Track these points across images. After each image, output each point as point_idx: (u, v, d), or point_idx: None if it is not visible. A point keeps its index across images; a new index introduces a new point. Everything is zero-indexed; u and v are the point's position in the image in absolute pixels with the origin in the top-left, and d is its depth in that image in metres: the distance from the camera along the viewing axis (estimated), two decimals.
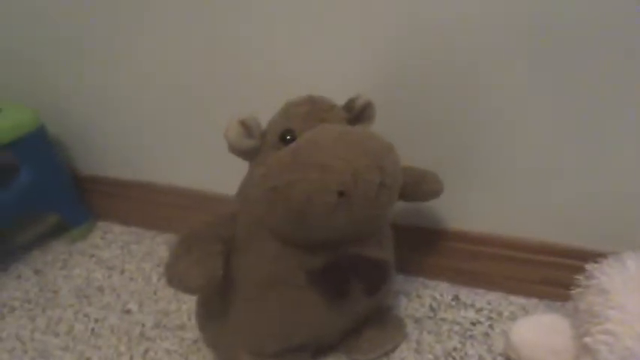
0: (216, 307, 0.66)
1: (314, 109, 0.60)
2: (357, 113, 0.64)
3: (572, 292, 0.63)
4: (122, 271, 0.96)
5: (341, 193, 0.51)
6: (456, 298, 0.81)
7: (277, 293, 0.61)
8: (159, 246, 1.02)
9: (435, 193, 0.71)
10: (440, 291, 0.83)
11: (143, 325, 0.83)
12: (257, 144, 0.59)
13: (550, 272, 0.76)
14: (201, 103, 0.87)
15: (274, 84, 0.78)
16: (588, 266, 0.62)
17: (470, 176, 0.75)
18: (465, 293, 0.82)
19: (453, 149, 0.74)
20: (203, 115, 0.89)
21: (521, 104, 0.67)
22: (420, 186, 0.70)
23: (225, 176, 0.72)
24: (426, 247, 0.83)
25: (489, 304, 0.79)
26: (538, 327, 0.66)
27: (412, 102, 0.73)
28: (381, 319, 0.71)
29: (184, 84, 0.87)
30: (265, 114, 0.62)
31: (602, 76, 0.62)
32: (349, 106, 0.64)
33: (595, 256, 0.63)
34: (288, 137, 0.58)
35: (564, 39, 0.61)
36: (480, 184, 0.75)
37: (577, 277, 0.63)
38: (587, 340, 0.57)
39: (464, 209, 0.79)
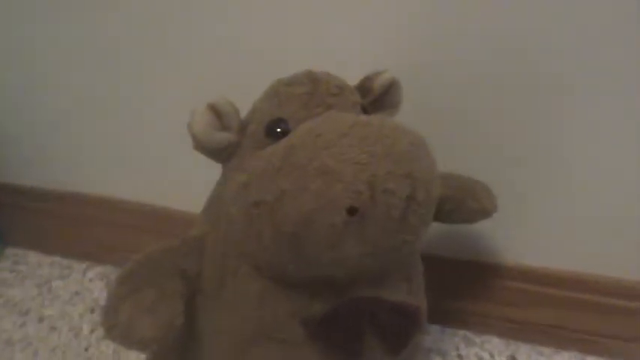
0: None
1: (316, 91, 0.59)
2: (377, 97, 0.64)
3: None
4: (40, 319, 0.96)
5: (352, 211, 0.50)
6: (513, 359, 0.81)
7: (260, 353, 0.60)
8: (92, 283, 1.02)
9: (485, 212, 0.71)
10: (490, 350, 0.83)
11: None
12: (234, 139, 0.59)
13: None
14: (154, 85, 0.88)
15: (256, 62, 0.79)
16: None
17: (533, 190, 0.76)
18: (526, 353, 0.82)
19: (510, 154, 0.75)
20: (157, 104, 0.90)
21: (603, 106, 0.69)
22: (464, 202, 0.69)
23: (186, 187, 0.73)
24: (471, 289, 0.83)
25: None
26: None
27: (456, 90, 0.74)
28: None
29: (122, 70, 0.90)
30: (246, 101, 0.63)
31: None
32: (366, 86, 0.64)
33: None
34: (278, 130, 0.58)
35: None
36: (547, 202, 0.76)
37: None
38: None
39: (524, 236, 0.79)
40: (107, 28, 0.88)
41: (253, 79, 0.64)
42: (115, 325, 0.56)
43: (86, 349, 0.89)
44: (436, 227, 0.68)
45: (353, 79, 0.64)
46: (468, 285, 0.83)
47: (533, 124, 0.73)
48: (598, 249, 0.77)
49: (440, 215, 0.66)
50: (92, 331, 0.92)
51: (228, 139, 0.59)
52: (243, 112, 0.62)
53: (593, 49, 0.67)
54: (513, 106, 0.73)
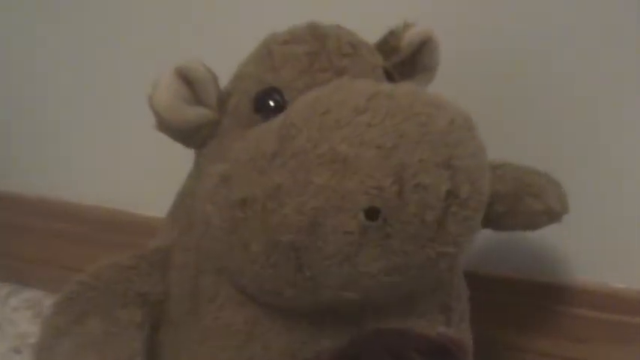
0: None
1: (322, 50, 0.60)
2: (406, 58, 0.64)
3: None
4: None
5: (372, 213, 0.50)
6: None
7: None
8: (17, 312, 1.02)
9: (552, 213, 0.70)
10: None
11: None
12: (211, 116, 0.60)
13: None
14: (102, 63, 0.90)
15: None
16: None
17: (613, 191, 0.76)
18: None
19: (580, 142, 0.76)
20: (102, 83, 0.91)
21: None
22: (522, 200, 0.69)
23: (146, 185, 0.73)
24: (533, 319, 0.83)
25: None
26: None
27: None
28: None
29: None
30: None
31: None
32: (390, 44, 0.63)
33: None
34: (272, 103, 0.58)
35: None
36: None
37: None
38: None
39: (606, 252, 0.79)
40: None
41: None
42: None
43: None
44: (488, 236, 0.68)
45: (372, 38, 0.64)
46: (530, 314, 0.83)
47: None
48: None
49: (490, 219, 0.66)
50: None
51: (204, 116, 0.59)
52: (225, 81, 0.62)
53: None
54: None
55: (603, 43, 0.73)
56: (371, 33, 0.65)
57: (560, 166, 0.73)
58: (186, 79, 0.57)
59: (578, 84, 0.77)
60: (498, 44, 0.78)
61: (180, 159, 0.63)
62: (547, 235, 0.77)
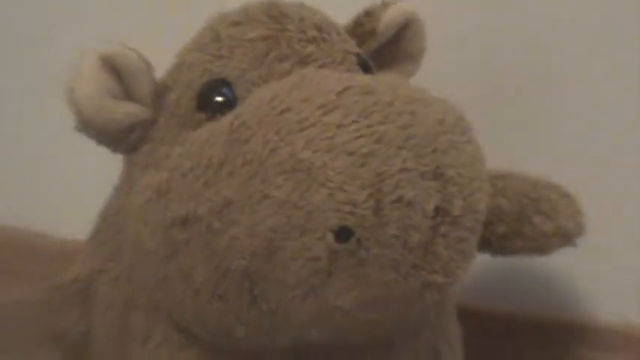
0: None
1: (281, 34, 0.59)
2: (384, 44, 0.64)
3: None
4: None
5: (344, 235, 0.50)
6: None
7: None
8: None
9: (564, 235, 0.70)
10: None
11: None
12: (144, 114, 0.59)
13: None
14: None
15: None
16: None
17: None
18: None
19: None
20: None
21: None
22: (528, 218, 0.69)
23: (62, 202, 0.73)
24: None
25: None
26: None
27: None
28: None
29: None
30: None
31: None
32: (364, 26, 0.63)
33: None
34: (220, 99, 0.58)
35: None
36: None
37: None
38: None
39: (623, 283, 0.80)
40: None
41: None
42: None
43: None
44: (482, 262, 0.69)
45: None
46: (538, 355, 0.84)
47: None
48: None
49: (489, 242, 0.66)
50: None
51: (135, 115, 0.58)
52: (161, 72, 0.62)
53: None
54: None
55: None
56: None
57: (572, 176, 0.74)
58: (114, 68, 0.56)
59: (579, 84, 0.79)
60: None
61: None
62: (559, 262, 0.78)
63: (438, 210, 0.51)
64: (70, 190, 0.75)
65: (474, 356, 0.69)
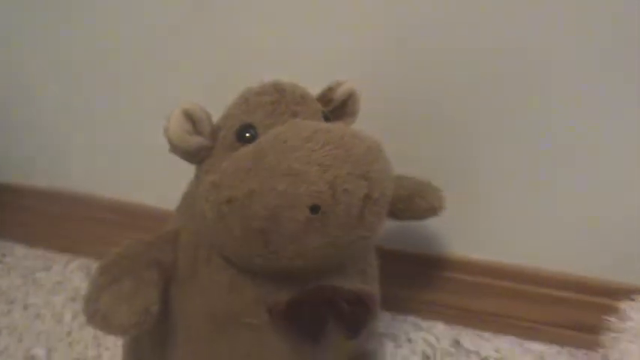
0: (149, 353, 0.65)
1: (281, 99, 0.59)
2: (337, 106, 0.64)
3: (602, 337, 0.64)
4: (25, 306, 0.94)
5: (315, 209, 0.51)
6: (457, 343, 0.82)
7: (229, 335, 0.60)
8: (74, 274, 1.01)
9: (433, 210, 0.71)
10: (436, 334, 0.83)
11: None
12: (206, 143, 0.59)
13: (574, 312, 0.77)
14: (133, 91, 0.88)
15: (221, 71, 0.79)
16: (622, 305, 0.63)
17: (477, 190, 0.77)
18: (468, 337, 0.82)
19: (458, 158, 0.77)
20: (135, 107, 0.89)
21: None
22: (414, 200, 0.70)
23: (162, 185, 0.73)
24: (420, 279, 0.83)
25: (498, 351, 0.80)
26: None
27: (408, 99, 0.75)
28: None
29: (111, 69, 0.89)
30: (217, 105, 0.62)
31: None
32: (327, 96, 0.64)
33: (630, 293, 0.64)
34: (248, 135, 0.58)
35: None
36: (489, 201, 0.77)
37: (608, 318, 0.64)
38: None
39: (469, 232, 0.80)
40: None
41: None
42: (96, 312, 0.55)
43: (68, 334, 0.88)
44: (391, 223, 0.69)
45: (314, 88, 0.64)
46: (418, 276, 0.84)
47: (480, 131, 0.74)
48: (537, 244, 0.78)
49: (393, 213, 0.67)
50: (74, 317, 0.90)
51: (201, 143, 0.58)
52: (215, 119, 0.61)
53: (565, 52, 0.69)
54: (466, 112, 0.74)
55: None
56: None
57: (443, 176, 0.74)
58: (190, 116, 0.57)
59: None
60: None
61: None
62: (431, 224, 0.78)
63: (366, 196, 0.52)
64: (166, 178, 0.74)
65: (384, 276, 0.68)
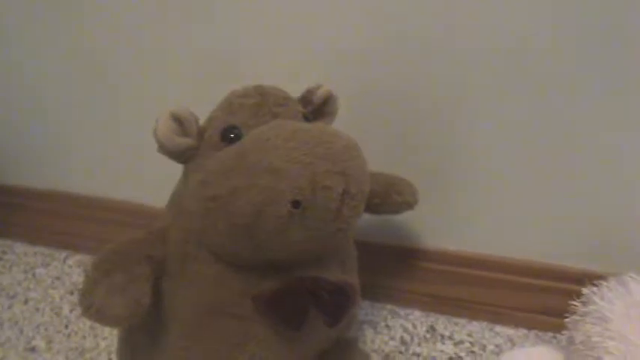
0: (142, 343, 0.65)
1: (263, 102, 0.59)
2: (316, 107, 0.64)
3: (567, 320, 0.64)
4: (26, 301, 0.93)
5: (296, 204, 0.50)
6: (432, 329, 0.81)
7: (217, 325, 0.60)
8: (71, 269, 1.00)
9: (408, 204, 0.71)
10: (413, 321, 0.83)
11: None
12: (193, 143, 0.58)
13: (542, 298, 0.78)
14: (125, 94, 0.87)
15: (214, 72, 0.78)
16: (586, 290, 0.63)
17: (449, 186, 0.77)
18: (443, 323, 0.82)
19: (432, 154, 0.76)
20: (128, 109, 0.88)
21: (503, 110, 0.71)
22: (390, 196, 0.70)
23: (156, 185, 0.72)
24: (397, 270, 0.83)
25: (471, 335, 0.80)
26: None
27: (385, 99, 0.75)
28: (343, 355, 0.71)
29: (111, 69, 0.87)
30: (202, 108, 0.62)
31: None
32: (307, 98, 0.64)
33: (594, 279, 0.64)
34: (232, 135, 0.57)
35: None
36: (460, 196, 0.77)
37: (572, 303, 0.64)
38: None
39: (442, 225, 0.80)
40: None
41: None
42: (91, 305, 0.54)
43: (66, 326, 0.87)
44: (368, 218, 0.68)
45: (294, 92, 0.63)
46: (395, 266, 0.83)
47: (452, 128, 0.74)
48: (505, 235, 0.78)
49: (370, 207, 0.67)
50: (71, 310, 0.90)
51: (188, 144, 0.58)
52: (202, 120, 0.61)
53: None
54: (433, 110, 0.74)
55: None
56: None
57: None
58: (177, 118, 0.56)
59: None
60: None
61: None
62: (405, 218, 0.77)
63: (344, 191, 0.52)
64: (159, 178, 0.73)
65: (364, 267, 0.68)
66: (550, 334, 0.78)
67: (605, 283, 0.62)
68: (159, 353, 0.63)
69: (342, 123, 0.64)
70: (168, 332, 0.62)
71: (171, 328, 0.61)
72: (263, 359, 0.61)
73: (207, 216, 0.55)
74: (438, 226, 0.81)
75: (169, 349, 0.62)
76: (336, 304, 0.62)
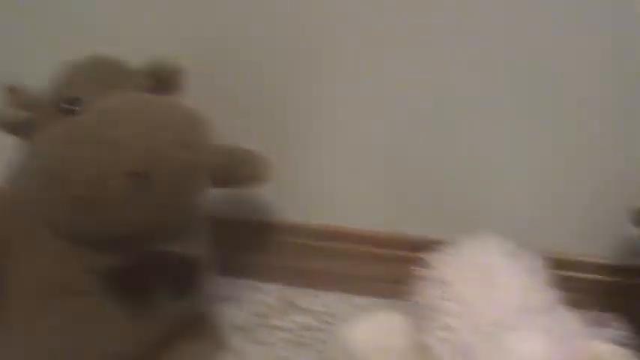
0: None
1: (104, 73, 0.58)
2: (162, 81, 0.62)
3: (413, 287, 0.66)
4: None
5: (135, 176, 0.49)
6: (291, 302, 0.82)
7: (61, 303, 0.58)
8: None
9: (256, 178, 0.69)
10: (271, 295, 0.84)
11: None
12: (30, 116, 0.56)
13: (393, 267, 0.80)
14: None
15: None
16: (427, 256, 0.66)
17: (299, 162, 0.78)
18: (300, 296, 0.83)
19: (283, 130, 0.77)
20: None
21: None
22: (237, 169, 0.67)
23: None
24: (254, 244, 0.84)
25: (327, 306, 0.82)
26: (374, 328, 0.69)
27: (233, 73, 0.74)
28: (197, 330, 0.70)
29: None
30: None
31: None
32: (152, 71, 0.62)
33: (434, 245, 0.67)
34: (72, 107, 0.55)
35: None
36: (311, 171, 0.79)
37: (416, 268, 0.66)
38: (426, 336, 0.61)
39: (295, 199, 0.82)
40: None
41: None
42: None
43: None
44: (221, 193, 0.68)
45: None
46: (253, 242, 0.84)
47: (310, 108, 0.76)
48: (356, 208, 0.81)
49: (216, 180, 0.65)
50: None
51: (25, 118, 0.55)
52: None
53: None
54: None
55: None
56: None
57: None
58: (13, 91, 0.55)
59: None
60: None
61: None
62: (265, 191, 0.78)
63: (183, 162, 0.51)
64: None
65: (222, 243, 0.68)
66: (400, 301, 0.81)
67: (443, 249, 0.65)
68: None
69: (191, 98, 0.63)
70: (8, 314, 0.59)
71: (12, 309, 0.59)
72: (109, 335, 0.60)
73: (45, 189, 0.52)
74: (289, 200, 0.82)
75: (9, 330, 0.60)
76: (181, 278, 0.62)
